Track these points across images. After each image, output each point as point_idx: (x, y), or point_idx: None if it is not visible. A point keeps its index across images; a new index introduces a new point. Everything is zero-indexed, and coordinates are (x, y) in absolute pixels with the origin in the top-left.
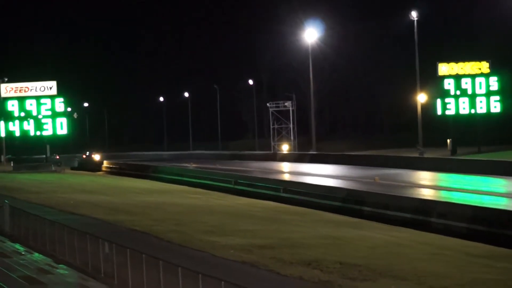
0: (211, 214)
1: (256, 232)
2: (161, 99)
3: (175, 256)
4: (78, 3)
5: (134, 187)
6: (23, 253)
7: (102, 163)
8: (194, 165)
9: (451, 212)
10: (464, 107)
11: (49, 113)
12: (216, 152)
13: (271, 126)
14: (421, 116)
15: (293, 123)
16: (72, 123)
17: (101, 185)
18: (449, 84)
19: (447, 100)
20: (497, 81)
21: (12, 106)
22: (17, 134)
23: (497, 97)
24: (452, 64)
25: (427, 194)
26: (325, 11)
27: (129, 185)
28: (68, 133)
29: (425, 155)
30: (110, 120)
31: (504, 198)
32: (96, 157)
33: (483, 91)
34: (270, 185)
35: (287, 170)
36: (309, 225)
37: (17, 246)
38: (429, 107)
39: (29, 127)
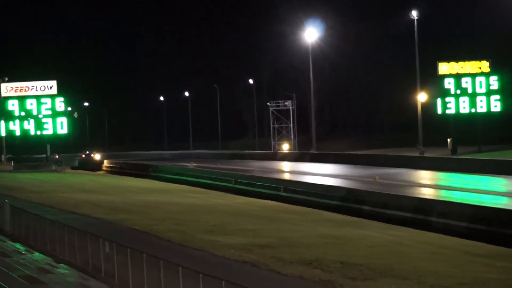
0: (211, 214)
1: (256, 231)
2: (161, 98)
3: (176, 256)
4: (78, 3)
5: (134, 187)
6: (23, 252)
7: (102, 162)
8: (194, 164)
9: (451, 211)
10: (464, 106)
11: (50, 112)
12: (216, 152)
13: (271, 126)
14: (421, 116)
15: (293, 123)
16: (72, 123)
17: (101, 184)
18: (449, 84)
19: (447, 99)
20: (497, 80)
21: (13, 106)
22: (18, 133)
23: (497, 96)
24: (453, 64)
25: (427, 193)
26: (325, 10)
27: (129, 185)
28: (69, 133)
29: (425, 154)
30: (110, 120)
31: (504, 197)
32: (97, 156)
33: (483, 90)
34: (270, 184)
35: (287, 169)
36: (309, 224)
37: (18, 245)
38: (429, 107)
39: (30, 126)
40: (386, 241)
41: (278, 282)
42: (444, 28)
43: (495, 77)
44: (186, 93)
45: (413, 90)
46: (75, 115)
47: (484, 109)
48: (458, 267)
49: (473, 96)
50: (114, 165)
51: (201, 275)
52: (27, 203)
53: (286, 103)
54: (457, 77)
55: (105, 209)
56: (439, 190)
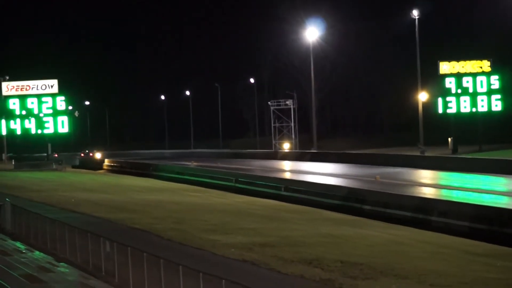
0: (212, 213)
1: (257, 231)
2: (162, 97)
3: (176, 255)
4: (78, 3)
5: (135, 185)
6: (24, 251)
7: (103, 161)
8: (195, 163)
9: (452, 210)
10: (465, 106)
11: (50, 111)
12: (217, 151)
13: (272, 125)
14: (422, 115)
15: (294, 122)
16: (73, 122)
17: (102, 183)
18: (450, 83)
19: (448, 98)
20: (498, 79)
21: (14, 105)
22: (18, 132)
23: (498, 96)
24: (453, 63)
25: (427, 192)
26: (326, 9)
27: (130, 183)
28: (69, 132)
29: (426, 154)
30: (111, 119)
31: (505, 197)
32: (97, 155)
33: (484, 89)
34: (271, 184)
35: (288, 168)
36: (310, 224)
37: (18, 244)
38: (430, 106)
39: (30, 125)
40: (386, 240)
41: (278, 281)
42: (444, 27)
43: (496, 77)
44: (187, 92)
45: (413, 90)
46: (76, 114)
47: (485, 109)
48: (458, 267)
49: (474, 96)
50: (115, 164)
51: (201, 274)
52: (27, 202)
53: (287, 102)
54: (458, 76)
55: (105, 208)
56: (439, 189)
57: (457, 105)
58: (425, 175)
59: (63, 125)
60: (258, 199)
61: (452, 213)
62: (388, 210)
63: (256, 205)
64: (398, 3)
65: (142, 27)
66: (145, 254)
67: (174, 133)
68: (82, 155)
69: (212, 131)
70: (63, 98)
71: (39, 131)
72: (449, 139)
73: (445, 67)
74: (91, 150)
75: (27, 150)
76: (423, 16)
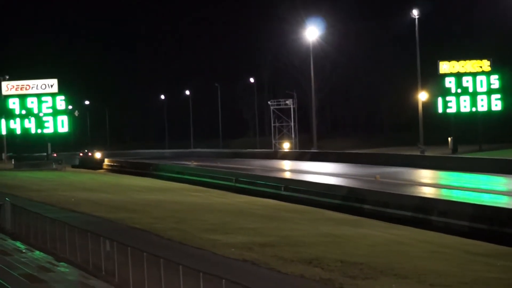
0: (212, 212)
1: (257, 230)
2: (162, 97)
3: (176, 254)
4: (78, 3)
5: (135, 185)
6: (24, 251)
7: (103, 161)
8: (195, 163)
9: (452, 210)
10: (465, 105)
11: (50, 111)
12: (217, 150)
13: (272, 124)
14: (422, 115)
15: (294, 121)
16: (73, 121)
17: (102, 183)
18: (450, 82)
19: (448, 98)
20: (498, 79)
21: (13, 104)
22: (18, 132)
23: (498, 95)
24: (453, 62)
25: (427, 192)
26: (326, 9)
27: (130, 183)
28: (69, 131)
29: (426, 153)
30: (111, 118)
31: (505, 196)
32: (97, 155)
33: (484, 89)
34: (270, 183)
35: (288, 168)
36: (310, 223)
37: (18, 244)
38: (430, 106)
39: (30, 125)
40: (386, 240)
41: (278, 280)
42: (444, 27)
43: (496, 76)
44: (187, 92)
45: (413, 89)
46: (76, 113)
47: (485, 108)
48: (458, 266)
49: (474, 95)
50: (115, 164)
51: (201, 273)
52: (27, 202)
53: (287, 102)
54: (458, 76)
55: (105, 208)
56: (439, 189)
57: (457, 105)
58: (425, 175)
59: (63, 125)
60: (258, 198)
61: (452, 212)
62: (388, 210)
63: (256, 205)
64: (398, 3)
65: (142, 27)
66: (145, 253)
67: (174, 133)
68: (81, 154)
69: (212, 131)
70: (63, 97)
71: (39, 131)
72: (449, 138)
73: (445, 66)
74: (90, 150)
75: (27, 149)
76: (423, 16)
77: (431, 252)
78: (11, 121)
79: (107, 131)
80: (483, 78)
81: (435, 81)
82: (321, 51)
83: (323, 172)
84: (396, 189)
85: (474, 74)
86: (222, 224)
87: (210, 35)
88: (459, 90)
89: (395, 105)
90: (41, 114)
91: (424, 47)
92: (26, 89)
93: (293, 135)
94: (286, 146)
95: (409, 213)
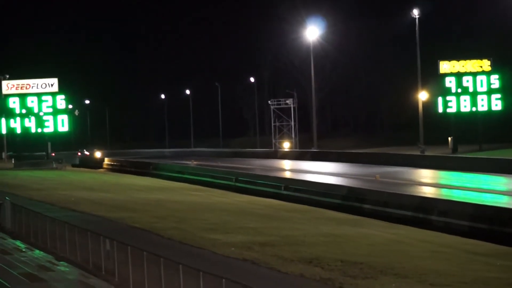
0: (212, 212)
1: (257, 230)
2: (162, 96)
3: (176, 254)
4: (78, 3)
5: (135, 184)
6: (24, 250)
7: (103, 160)
8: (195, 162)
9: (452, 210)
10: (465, 105)
11: (50, 110)
12: (217, 150)
13: (272, 124)
14: (422, 114)
15: (294, 121)
16: (73, 121)
17: (102, 182)
18: (450, 82)
19: (448, 98)
20: (498, 79)
21: (14, 103)
22: (18, 131)
23: (498, 95)
24: (454, 62)
25: (428, 191)
26: (326, 9)
27: (130, 182)
28: (70, 130)
29: (426, 153)
30: (111, 118)
31: (505, 196)
32: (97, 154)
33: (484, 89)
34: (271, 183)
35: (288, 167)
36: (310, 223)
37: (18, 243)
38: (430, 105)
39: (30, 124)
40: (386, 239)
41: (278, 280)
42: (444, 27)
43: (496, 76)
44: (187, 91)
45: (413, 89)
46: (76, 113)
47: (485, 108)
48: (458, 266)
49: (474, 95)
50: (115, 163)
51: (201, 273)
52: (27, 201)
53: (287, 101)
54: (458, 75)
55: (105, 207)
56: (439, 188)
57: (457, 105)
58: (425, 175)
59: (63, 124)
60: (258, 198)
61: (452, 212)
62: (388, 209)
63: (256, 204)
64: (398, 2)
65: (142, 27)
66: (145, 253)
67: (174, 132)
68: (79, 154)
69: (212, 130)
70: (63, 97)
71: (39, 130)
72: (449, 138)
73: (445, 66)
74: (89, 149)
75: (27, 149)
76: (423, 15)
77: (431, 251)
78: (11, 120)
79: (107, 131)
80: (483, 78)
81: (435, 81)
82: (322, 51)
83: (323, 172)
84: (396, 189)
85: (474, 74)
86: (222, 223)
87: (210, 35)
88: (459, 90)
89: (395, 105)
90: (41, 114)
91: (424, 47)
92: (26, 88)
93: (293, 135)
94: (286, 145)
95: (409, 213)
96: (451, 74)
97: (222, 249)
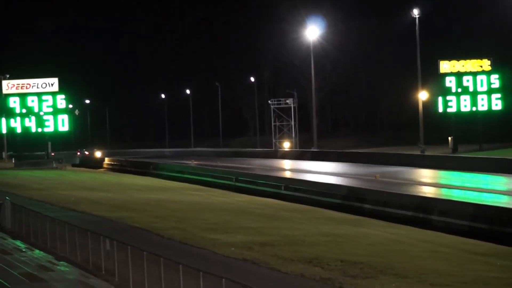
0: (212, 211)
1: (257, 230)
2: (163, 96)
3: (176, 254)
4: (78, 3)
5: (135, 184)
6: (24, 250)
7: (103, 160)
8: (195, 162)
9: (452, 209)
10: (466, 105)
11: (51, 110)
12: (217, 150)
13: (273, 123)
14: (422, 114)
15: (294, 120)
16: (73, 120)
17: (102, 182)
18: (450, 82)
19: (448, 97)
20: (499, 78)
21: (14, 103)
22: (19, 130)
23: (499, 95)
24: (454, 62)
25: (428, 191)
26: (326, 8)
27: (130, 182)
28: (70, 130)
29: (426, 153)
30: (111, 117)
31: (505, 196)
32: (97, 154)
33: (485, 88)
34: (271, 183)
35: (288, 167)
36: (310, 223)
37: (18, 243)
38: (430, 105)
39: (31, 123)
40: (386, 239)
41: (279, 280)
42: (444, 27)
43: (496, 76)
44: (187, 91)
45: (413, 89)
46: (76, 112)
47: (485, 108)
48: (458, 266)
49: (474, 95)
50: (115, 163)
51: (201, 273)
52: (27, 201)
53: (288, 101)
54: (458, 75)
55: (105, 207)
56: (439, 188)
57: (457, 104)
58: (425, 174)
59: (63, 124)
60: (258, 198)
61: (452, 212)
62: (388, 209)
63: (256, 204)
64: (399, 2)
65: (142, 27)
66: (145, 252)
67: (174, 132)
68: (78, 153)
69: (212, 130)
70: (63, 96)
71: (39, 130)
72: (449, 138)
73: (445, 66)
74: (89, 149)
75: (27, 148)
76: (424, 15)
77: (431, 251)
78: (12, 120)
79: (107, 130)
80: (483, 77)
81: (436, 81)
82: (322, 51)
83: (323, 172)
84: (396, 189)
85: (474, 74)
86: (222, 223)
87: (210, 35)
88: (459, 90)
89: (395, 105)
90: (41, 113)
91: (425, 46)
92: (26, 88)
93: (293, 135)
94: (286, 145)
95: (409, 213)
96: (451, 74)
97: (222, 249)
